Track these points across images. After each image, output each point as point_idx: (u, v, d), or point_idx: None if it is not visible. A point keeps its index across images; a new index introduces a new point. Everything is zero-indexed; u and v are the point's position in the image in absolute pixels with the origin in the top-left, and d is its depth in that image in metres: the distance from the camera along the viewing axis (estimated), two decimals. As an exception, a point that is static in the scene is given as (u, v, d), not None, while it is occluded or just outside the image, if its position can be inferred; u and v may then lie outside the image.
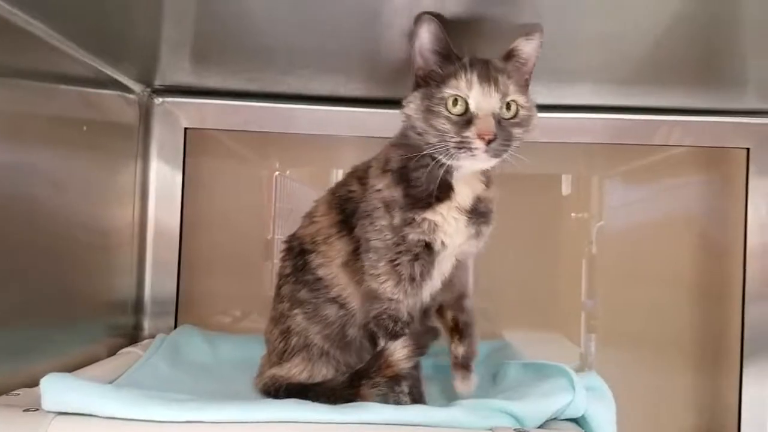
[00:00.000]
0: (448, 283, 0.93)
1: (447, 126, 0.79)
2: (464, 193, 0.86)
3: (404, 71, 1.03)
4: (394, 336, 0.86)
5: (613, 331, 1.37)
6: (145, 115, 1.23)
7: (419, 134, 0.82)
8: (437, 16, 0.80)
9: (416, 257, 0.86)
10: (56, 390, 0.70)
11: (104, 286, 1.13)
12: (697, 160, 1.35)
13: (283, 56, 1.02)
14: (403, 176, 0.86)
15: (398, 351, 0.84)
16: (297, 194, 1.39)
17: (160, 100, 1.24)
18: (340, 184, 0.98)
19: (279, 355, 0.95)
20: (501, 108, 0.80)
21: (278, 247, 1.30)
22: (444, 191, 0.85)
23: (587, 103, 1.23)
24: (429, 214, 0.85)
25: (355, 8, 0.81)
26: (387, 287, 0.86)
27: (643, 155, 1.36)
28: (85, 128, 1.02)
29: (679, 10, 0.78)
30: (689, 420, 1.33)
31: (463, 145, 0.78)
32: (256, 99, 1.24)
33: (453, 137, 0.78)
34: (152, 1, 0.83)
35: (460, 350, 0.91)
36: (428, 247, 0.86)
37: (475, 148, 0.77)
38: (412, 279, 0.87)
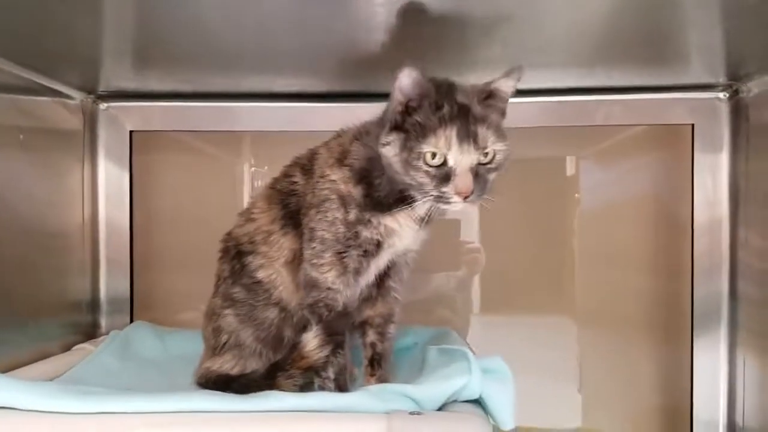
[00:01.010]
0: (384, 291, 0.95)
1: (425, 179, 0.79)
2: (423, 205, 0.86)
3: (347, 67, 1.07)
4: None
5: (585, 310, 1.38)
6: (90, 120, 1.27)
7: (397, 173, 0.82)
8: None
9: (366, 253, 0.88)
10: (-23, 385, 0.74)
11: (58, 287, 1.17)
12: (651, 139, 1.34)
13: (222, 58, 1.05)
14: (364, 177, 0.87)
15: (310, 342, 0.86)
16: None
17: (105, 105, 1.28)
18: (281, 177, 0.97)
19: (212, 349, 0.97)
20: (479, 159, 0.80)
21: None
22: (405, 202, 0.85)
23: (526, 87, 1.22)
24: (388, 221, 0.87)
25: (285, 9, 0.82)
26: (329, 277, 0.87)
27: (602, 137, 1.37)
28: (21, 137, 1.05)
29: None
30: (642, 392, 1.34)
31: (441, 200, 0.79)
32: (198, 99, 1.26)
33: (432, 191, 0.79)
34: (91, 18, 0.86)
35: (370, 384, 0.92)
36: (378, 244, 0.88)
37: (454, 202, 0.79)
38: (357, 272, 0.88)
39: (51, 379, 0.94)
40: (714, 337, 1.23)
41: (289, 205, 0.93)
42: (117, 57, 1.05)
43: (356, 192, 0.86)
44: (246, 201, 1.35)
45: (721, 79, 1.19)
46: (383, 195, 0.85)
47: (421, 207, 0.86)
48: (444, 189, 0.78)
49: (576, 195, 1.39)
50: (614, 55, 1.06)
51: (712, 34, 0.95)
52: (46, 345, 1.09)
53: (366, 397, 0.76)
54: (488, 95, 0.82)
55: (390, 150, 0.81)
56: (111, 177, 1.29)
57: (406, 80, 0.78)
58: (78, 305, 1.23)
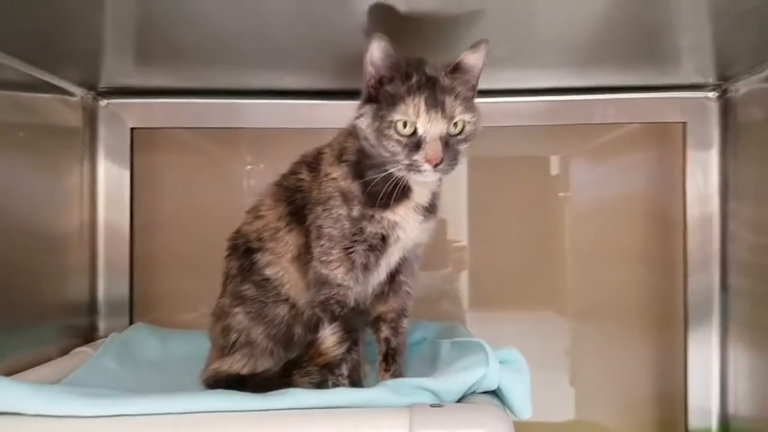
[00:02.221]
0: (396, 287, 0.96)
1: (397, 148, 0.82)
2: (422, 192, 0.89)
3: (349, 64, 1.04)
4: None
5: (576, 305, 1.40)
6: (90, 117, 1.25)
7: (372, 146, 0.84)
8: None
9: (371, 247, 0.89)
10: (-19, 391, 0.72)
11: (55, 289, 1.15)
12: (643, 137, 1.37)
13: (224, 54, 1.04)
14: (359, 172, 0.88)
15: (328, 338, 0.86)
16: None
17: (105, 102, 1.26)
18: (287, 174, 0.98)
19: (220, 350, 0.97)
20: (448, 129, 0.82)
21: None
22: (403, 192, 0.87)
23: (526, 87, 1.25)
24: (389, 215, 0.88)
25: (292, 5, 0.83)
26: (338, 273, 0.88)
27: (596, 135, 1.39)
28: (22, 134, 1.03)
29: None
30: (638, 384, 1.37)
31: (413, 168, 0.81)
32: (200, 96, 1.26)
33: (403, 159, 0.81)
34: (92, 12, 0.85)
35: (385, 379, 0.93)
36: (383, 239, 0.89)
37: (425, 170, 0.81)
38: (365, 267, 0.89)
39: (53, 383, 0.92)
40: (706, 329, 1.27)
41: (295, 201, 0.94)
42: (118, 52, 1.04)
43: (355, 188, 0.88)
44: (247, 201, 1.34)
45: (711, 80, 1.22)
46: (380, 188, 0.86)
47: (422, 193, 0.88)
48: (415, 157, 0.81)
49: (564, 193, 1.41)
50: (607, 55, 1.09)
51: (702, 36, 0.99)
52: (42, 348, 1.08)
53: (385, 391, 0.77)
54: (454, 68, 0.85)
55: (363, 121, 0.84)
56: (111, 176, 1.27)
57: (376, 51, 0.81)
58: (76, 307, 1.22)
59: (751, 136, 1.18)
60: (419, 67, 0.84)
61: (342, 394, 0.77)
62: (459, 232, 1.39)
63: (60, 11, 0.84)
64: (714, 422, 1.26)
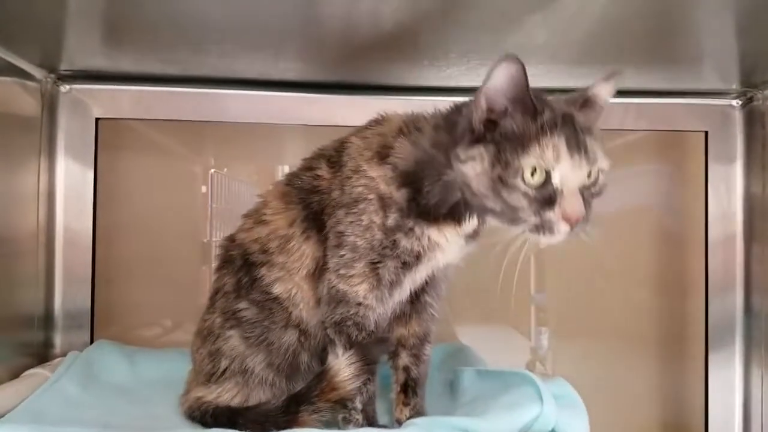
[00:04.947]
0: (420, 308, 0.83)
1: (523, 203, 0.65)
2: (474, 219, 0.75)
3: (342, 50, 0.95)
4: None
5: (568, 324, 1.31)
6: (50, 104, 1.09)
7: (475, 195, 0.68)
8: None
9: (404, 265, 0.75)
10: None
11: (5, 300, 0.99)
12: (654, 147, 1.29)
13: (201, 32, 0.89)
14: (410, 181, 0.74)
15: (343, 370, 0.73)
16: (236, 192, 1.28)
17: (67, 87, 1.10)
18: (301, 170, 0.83)
19: (207, 376, 0.83)
20: (588, 180, 0.67)
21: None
22: (455, 213, 0.73)
23: (538, 86, 1.15)
24: (433, 233, 0.74)
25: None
26: (360, 290, 0.75)
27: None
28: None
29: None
30: (654, 411, 1.29)
31: (543, 229, 0.65)
32: (177, 84, 1.11)
33: (529, 217, 0.65)
34: None
35: (404, 415, 0.81)
36: (418, 257, 0.75)
37: (559, 232, 0.64)
38: (392, 285, 0.76)
39: (1, 414, 0.78)
40: (729, 353, 1.19)
41: (312, 205, 0.79)
42: (82, 26, 0.89)
43: (400, 195, 0.74)
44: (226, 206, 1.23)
45: (735, 86, 1.15)
46: (432, 203, 0.73)
47: (473, 222, 0.75)
48: (548, 215, 0.64)
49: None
50: (625, 56, 1.00)
51: (726, 39, 0.91)
52: (-11, 367, 0.92)
53: (419, 432, 0.65)
54: (584, 102, 0.70)
55: (473, 167, 0.67)
56: (72, 173, 1.11)
57: (502, 78, 0.65)
58: (28, 321, 1.05)
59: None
60: (544, 100, 0.68)
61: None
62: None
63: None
64: (737, 449, 1.19)
